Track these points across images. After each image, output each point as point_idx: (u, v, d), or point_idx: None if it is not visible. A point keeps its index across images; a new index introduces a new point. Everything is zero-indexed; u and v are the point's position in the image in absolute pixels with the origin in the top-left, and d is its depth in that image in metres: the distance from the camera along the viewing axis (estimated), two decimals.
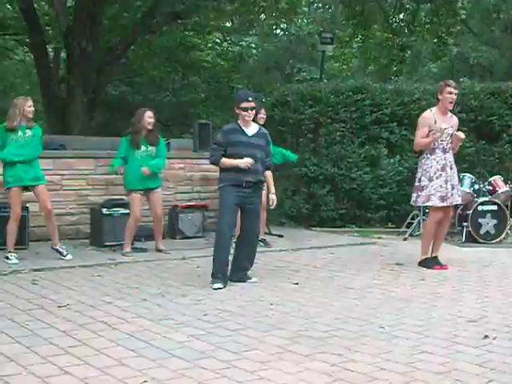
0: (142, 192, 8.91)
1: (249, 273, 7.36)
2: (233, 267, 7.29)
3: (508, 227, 10.83)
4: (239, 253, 7.31)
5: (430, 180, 8.12)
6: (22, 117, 8.16)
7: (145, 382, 4.05)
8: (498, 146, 12.51)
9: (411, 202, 8.67)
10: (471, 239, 10.67)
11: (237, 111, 7.20)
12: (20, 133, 8.16)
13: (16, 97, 9.08)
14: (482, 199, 10.79)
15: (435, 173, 8.13)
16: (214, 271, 7.02)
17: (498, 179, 11.17)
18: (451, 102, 8.21)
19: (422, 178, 8.20)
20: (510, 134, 12.51)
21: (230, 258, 7.25)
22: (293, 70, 26.76)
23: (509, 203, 11.12)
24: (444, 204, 8.17)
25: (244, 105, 7.14)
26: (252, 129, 7.25)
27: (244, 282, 7.20)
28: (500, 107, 12.51)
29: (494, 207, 10.77)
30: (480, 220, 10.72)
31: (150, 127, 8.90)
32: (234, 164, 7.03)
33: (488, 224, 10.74)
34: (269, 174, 7.34)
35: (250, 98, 7.22)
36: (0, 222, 8.49)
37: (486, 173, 11.81)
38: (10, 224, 8.21)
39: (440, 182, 8.12)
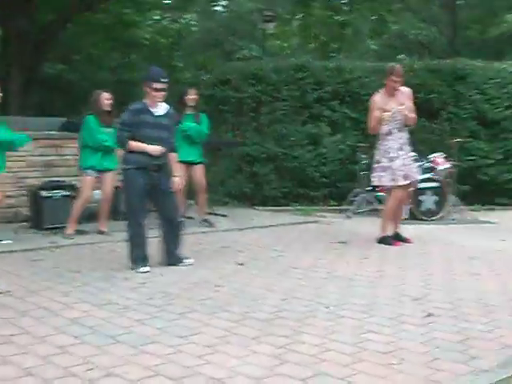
0: (96, 173, 8.78)
1: (185, 254, 7.18)
2: (164, 253, 7.12)
3: (448, 204, 10.98)
4: (166, 238, 7.10)
5: (391, 160, 8.29)
6: None
7: (89, 369, 3.97)
8: (438, 123, 12.67)
9: (375, 183, 8.79)
10: (412, 216, 10.79)
11: (147, 90, 6.89)
12: None
13: None
14: (422, 176, 10.88)
15: (394, 152, 8.32)
16: (135, 257, 6.87)
17: (438, 156, 11.28)
18: (395, 89, 8.32)
19: (382, 160, 8.35)
20: (449, 112, 12.68)
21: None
22: (233, 48, 26.62)
23: (449, 180, 11.27)
24: (407, 182, 8.40)
25: (156, 85, 6.84)
26: (160, 109, 6.98)
27: (177, 265, 7.01)
28: (439, 85, 12.66)
29: (435, 184, 10.90)
30: (421, 197, 10.85)
31: (107, 108, 8.78)
32: (143, 149, 6.80)
33: (429, 201, 10.87)
34: (173, 155, 7.14)
35: (163, 80, 6.91)
36: None
37: (427, 150, 11.95)
38: None
39: (401, 161, 8.32)
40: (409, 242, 8.56)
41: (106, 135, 8.69)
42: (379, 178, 8.49)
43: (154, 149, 6.83)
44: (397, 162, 8.31)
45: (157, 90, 6.84)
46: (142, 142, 6.82)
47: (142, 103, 6.95)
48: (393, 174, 8.33)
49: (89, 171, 8.74)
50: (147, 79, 6.94)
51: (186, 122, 9.43)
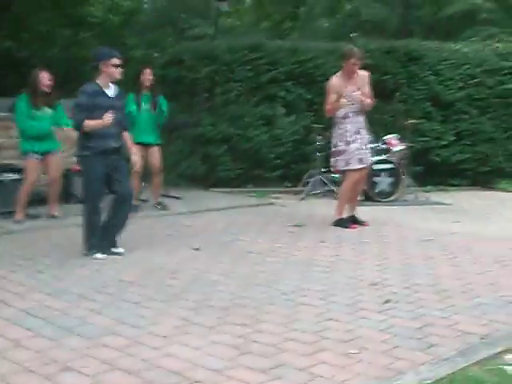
0: (38, 156, 8.59)
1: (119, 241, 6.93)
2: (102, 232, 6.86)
3: (402, 185, 11.02)
4: (113, 219, 6.85)
5: (347, 144, 8.26)
6: None
7: (46, 364, 3.86)
8: (392, 104, 12.70)
9: (331, 168, 8.82)
10: (367, 198, 10.81)
11: (104, 69, 6.67)
12: None
13: None
14: (376, 158, 10.91)
15: (351, 136, 8.27)
16: (91, 244, 6.69)
17: (392, 138, 11.32)
18: (353, 72, 8.25)
19: (339, 143, 8.32)
20: (403, 93, 12.72)
21: None
22: (186, 26, 26.29)
23: (403, 161, 11.30)
24: (362, 165, 8.37)
25: (115, 61, 6.69)
26: (111, 89, 6.84)
27: (109, 253, 6.74)
28: (393, 65, 12.67)
29: (389, 166, 10.93)
30: (375, 179, 10.87)
31: (46, 89, 8.56)
32: (98, 124, 6.57)
33: (383, 182, 10.91)
34: (127, 135, 7.04)
35: (119, 55, 6.79)
36: None
37: (381, 131, 11.97)
38: None
39: (357, 145, 8.28)
40: (365, 225, 8.56)
41: (37, 119, 8.49)
42: (335, 162, 8.48)
43: (107, 118, 6.57)
44: (352, 146, 8.29)
45: (116, 65, 6.70)
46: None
47: (96, 85, 6.74)
48: (348, 158, 8.31)
49: (29, 154, 8.55)
50: (103, 57, 6.73)
51: (143, 102, 9.31)
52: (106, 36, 22.06)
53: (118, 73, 6.75)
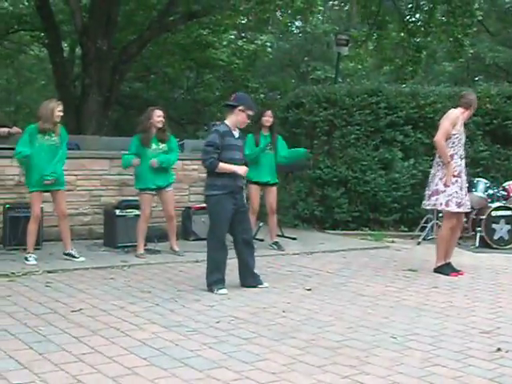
0: (153, 192, 8.94)
1: (261, 277, 7.35)
2: (243, 272, 7.28)
3: None
4: (243, 256, 7.23)
5: (446, 185, 8.12)
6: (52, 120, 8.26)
7: None
8: None
9: (424, 205, 8.63)
10: (484, 244, 10.63)
11: (238, 113, 7.04)
12: (47, 136, 8.24)
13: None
14: (496, 204, 10.73)
15: (452, 178, 8.12)
16: (214, 279, 6.98)
17: None
18: (465, 120, 8.27)
19: (439, 183, 8.19)
20: None
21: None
22: (308, 69, 26.68)
23: None
24: (460, 210, 8.20)
25: (250, 112, 7.13)
26: (236, 131, 7.19)
27: (256, 287, 7.20)
28: None
29: (509, 212, 10.72)
30: (494, 225, 10.67)
31: (159, 125, 8.92)
32: (232, 170, 6.95)
33: (502, 229, 10.69)
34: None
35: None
36: (17, 223, 8.73)
37: (501, 177, 11.77)
38: (30, 225, 8.27)
39: (456, 188, 8.13)
40: (460, 274, 8.37)
41: (149, 156, 8.84)
42: (435, 201, 8.32)
43: (244, 169, 7.07)
44: (452, 188, 8.14)
45: (249, 116, 7.10)
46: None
47: (226, 125, 7.09)
48: (448, 199, 8.14)
49: (143, 190, 8.89)
50: (244, 104, 7.10)
51: (263, 142, 9.53)
52: (228, 78, 22.69)
53: (246, 123, 7.17)
